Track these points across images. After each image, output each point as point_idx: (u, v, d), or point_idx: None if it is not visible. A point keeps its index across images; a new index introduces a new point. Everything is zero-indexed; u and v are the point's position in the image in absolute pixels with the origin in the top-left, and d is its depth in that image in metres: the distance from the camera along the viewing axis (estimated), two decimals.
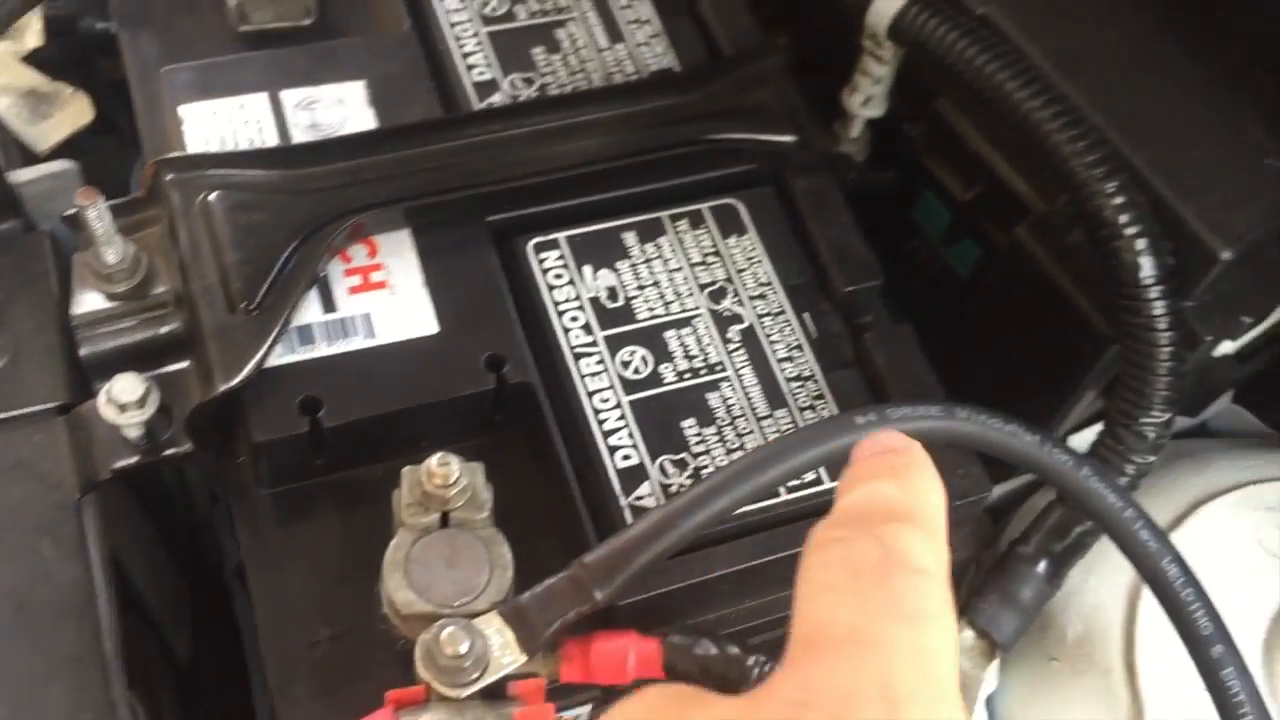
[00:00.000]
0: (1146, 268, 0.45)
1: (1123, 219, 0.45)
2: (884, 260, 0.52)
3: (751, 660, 0.42)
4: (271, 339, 0.44)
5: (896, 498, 0.35)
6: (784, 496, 0.46)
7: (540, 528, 0.47)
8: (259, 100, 0.51)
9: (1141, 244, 0.45)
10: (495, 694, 0.41)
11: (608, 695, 0.49)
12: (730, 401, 0.47)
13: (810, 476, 0.46)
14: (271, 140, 0.50)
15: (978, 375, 0.53)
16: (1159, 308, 0.46)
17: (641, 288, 0.49)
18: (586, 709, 0.50)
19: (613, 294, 0.49)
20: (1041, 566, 0.48)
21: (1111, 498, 0.44)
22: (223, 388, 0.43)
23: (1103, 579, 0.51)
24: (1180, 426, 0.63)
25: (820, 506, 0.46)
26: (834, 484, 0.46)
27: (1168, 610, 0.44)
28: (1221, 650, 0.43)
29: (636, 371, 0.47)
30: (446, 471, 0.42)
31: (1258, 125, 0.50)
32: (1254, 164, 0.49)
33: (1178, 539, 0.52)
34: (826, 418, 0.47)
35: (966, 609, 0.48)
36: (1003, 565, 0.48)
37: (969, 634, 0.49)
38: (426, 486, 0.42)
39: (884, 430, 0.40)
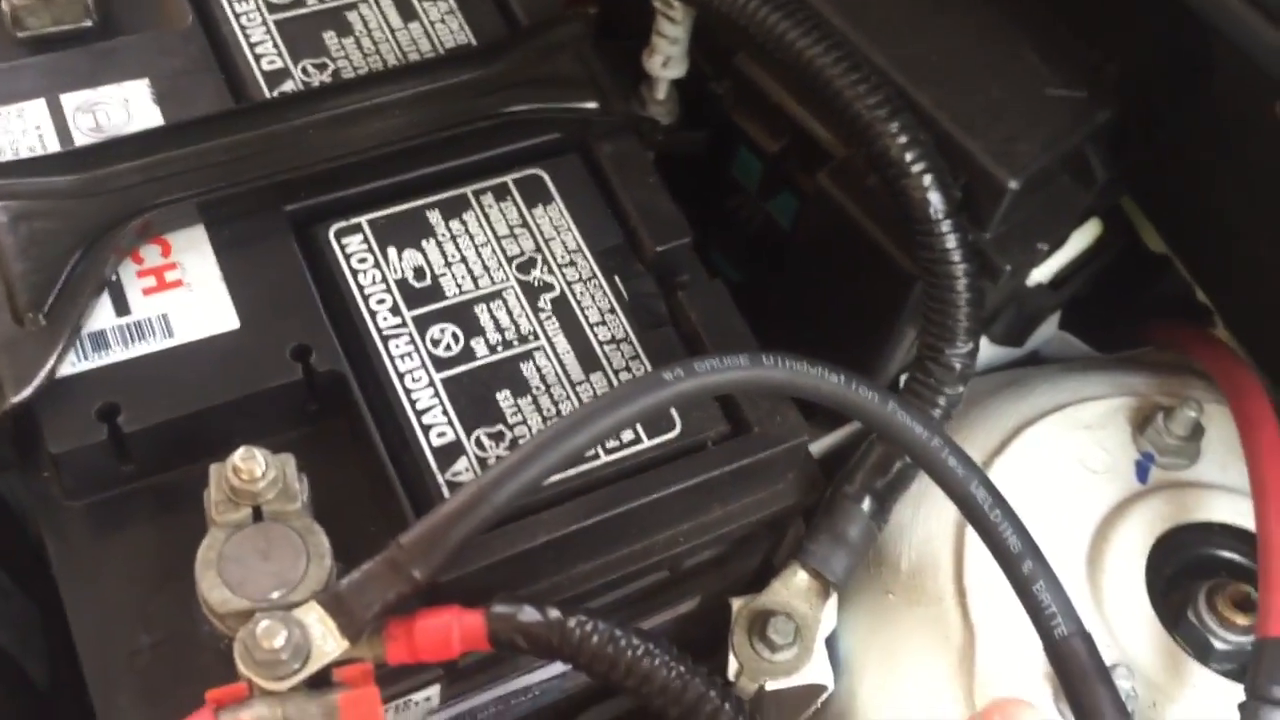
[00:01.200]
0: (935, 203, 0.47)
1: (908, 157, 0.46)
2: (711, 219, 0.52)
3: (574, 622, 0.42)
4: (60, 348, 0.43)
5: None
6: (603, 459, 0.46)
7: (366, 516, 0.46)
8: (37, 106, 0.49)
9: (928, 180, 0.46)
10: (321, 682, 0.41)
11: (454, 673, 0.49)
12: (544, 370, 0.47)
13: (629, 436, 0.47)
14: (53, 147, 0.48)
15: (805, 326, 0.54)
16: (951, 241, 0.47)
17: (449, 265, 0.49)
18: (435, 689, 0.50)
19: (419, 274, 0.49)
20: (866, 504, 0.49)
21: (918, 429, 0.45)
22: (14, 400, 0.42)
23: (931, 513, 0.52)
24: (1010, 356, 0.65)
25: (640, 465, 0.47)
26: (653, 442, 0.47)
27: (979, 531, 0.45)
28: (1031, 565, 0.44)
29: (447, 349, 0.47)
30: (251, 465, 0.41)
31: (1037, 58, 0.51)
32: (1036, 96, 0.50)
33: (1002, 463, 0.54)
34: (635, 378, 0.47)
35: (797, 552, 0.49)
36: (829, 506, 0.49)
37: (802, 576, 0.49)
38: (234, 482, 0.42)
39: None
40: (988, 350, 0.63)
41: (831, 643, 0.52)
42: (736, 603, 0.50)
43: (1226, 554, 0.51)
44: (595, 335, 0.48)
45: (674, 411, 0.47)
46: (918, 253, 0.48)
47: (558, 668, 0.55)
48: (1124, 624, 0.49)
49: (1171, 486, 0.53)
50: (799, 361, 0.45)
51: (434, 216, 0.50)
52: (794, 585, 0.49)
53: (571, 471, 0.45)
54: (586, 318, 0.49)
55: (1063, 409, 0.56)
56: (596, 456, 0.46)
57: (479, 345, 0.47)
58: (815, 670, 0.49)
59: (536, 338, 0.48)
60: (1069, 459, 0.54)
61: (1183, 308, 0.63)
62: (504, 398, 0.47)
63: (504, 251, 0.50)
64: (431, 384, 0.46)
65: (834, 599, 0.51)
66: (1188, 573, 0.51)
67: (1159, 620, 0.49)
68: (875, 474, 0.49)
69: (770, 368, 0.45)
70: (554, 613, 0.42)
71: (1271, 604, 0.45)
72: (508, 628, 0.42)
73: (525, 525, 0.44)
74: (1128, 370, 0.60)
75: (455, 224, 0.50)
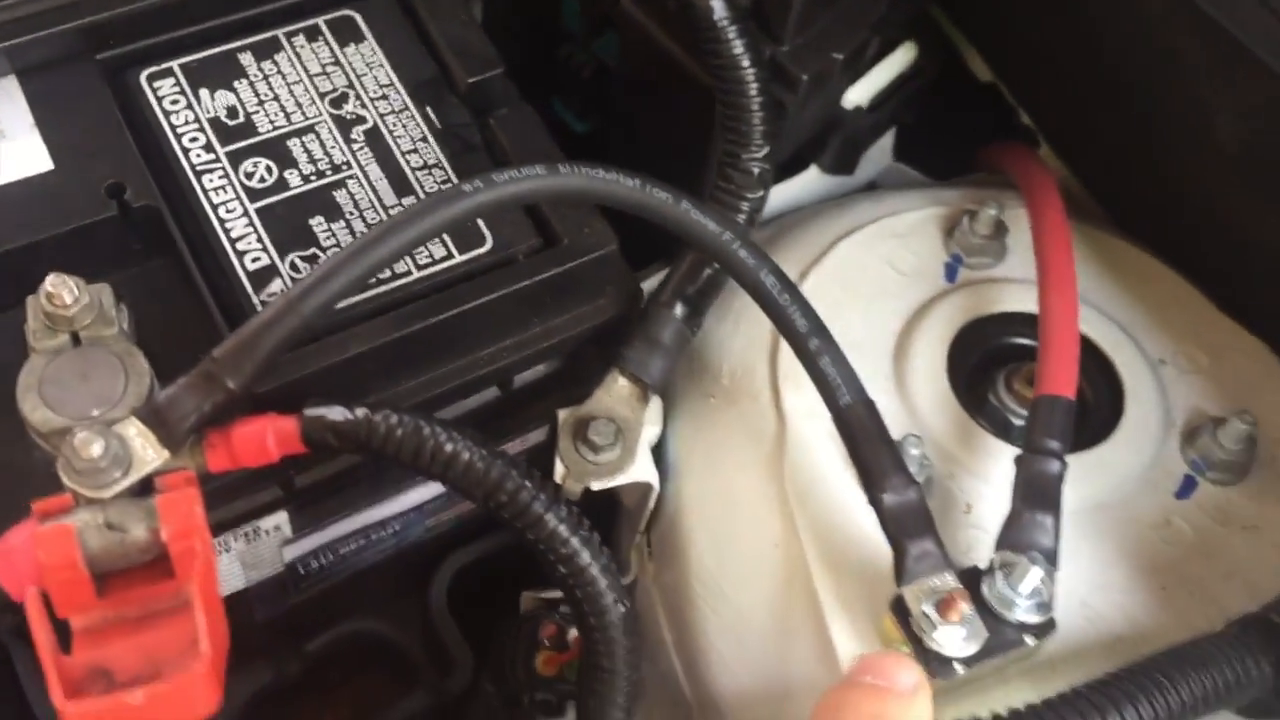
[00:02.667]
0: (718, 9, 0.48)
1: None
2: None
3: (380, 416, 0.44)
4: None
5: None
6: (416, 274, 0.48)
7: (193, 349, 0.48)
8: None
9: None
10: (145, 490, 0.43)
11: (296, 498, 0.51)
12: (358, 196, 0.49)
13: (440, 253, 0.49)
14: None
15: (640, 163, 0.56)
16: (737, 46, 0.49)
17: (261, 104, 0.50)
18: (282, 516, 0.52)
19: (232, 112, 0.50)
20: (678, 309, 0.51)
21: (710, 224, 0.47)
22: None
23: (752, 322, 0.55)
24: (847, 188, 0.67)
25: (452, 280, 0.49)
26: (464, 257, 0.49)
27: (770, 315, 0.48)
28: (817, 342, 0.47)
29: (261, 180, 0.49)
30: (62, 290, 0.43)
31: None
32: None
33: (819, 271, 0.56)
34: (437, 191, 0.49)
35: (614, 358, 0.52)
36: (644, 314, 0.52)
37: (622, 382, 0.52)
38: (47, 308, 0.43)
39: (902, 667, 0.38)
40: (822, 181, 0.66)
41: (661, 448, 0.55)
42: (563, 413, 0.52)
43: (1026, 340, 0.54)
44: (407, 162, 0.50)
45: (484, 227, 0.49)
46: (709, 62, 0.50)
47: (413, 498, 0.58)
48: (927, 409, 0.52)
49: (977, 284, 0.56)
50: (595, 168, 0.47)
51: (246, 59, 0.51)
52: (615, 391, 0.52)
53: (385, 287, 0.48)
54: (399, 146, 0.51)
55: (878, 220, 0.58)
56: (409, 273, 0.48)
57: (292, 176, 0.49)
58: (639, 470, 0.52)
59: (349, 167, 0.50)
60: (880, 264, 0.57)
61: (1011, 132, 0.66)
62: (317, 223, 0.48)
63: (316, 89, 0.51)
64: (246, 214, 0.48)
65: (656, 403, 0.53)
66: (989, 361, 0.54)
67: (960, 405, 0.52)
68: (686, 281, 0.52)
69: (567, 175, 0.47)
70: (361, 410, 0.44)
71: (1046, 365, 0.48)
72: (319, 427, 0.44)
73: (339, 339, 0.46)
74: (947, 188, 0.63)
75: (267, 65, 0.51)
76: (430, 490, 0.57)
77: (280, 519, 0.53)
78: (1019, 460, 0.47)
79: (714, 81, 0.50)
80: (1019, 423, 0.52)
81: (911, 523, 0.45)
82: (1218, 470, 0.51)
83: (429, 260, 0.48)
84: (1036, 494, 0.46)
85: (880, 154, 0.68)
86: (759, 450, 0.52)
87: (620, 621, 0.45)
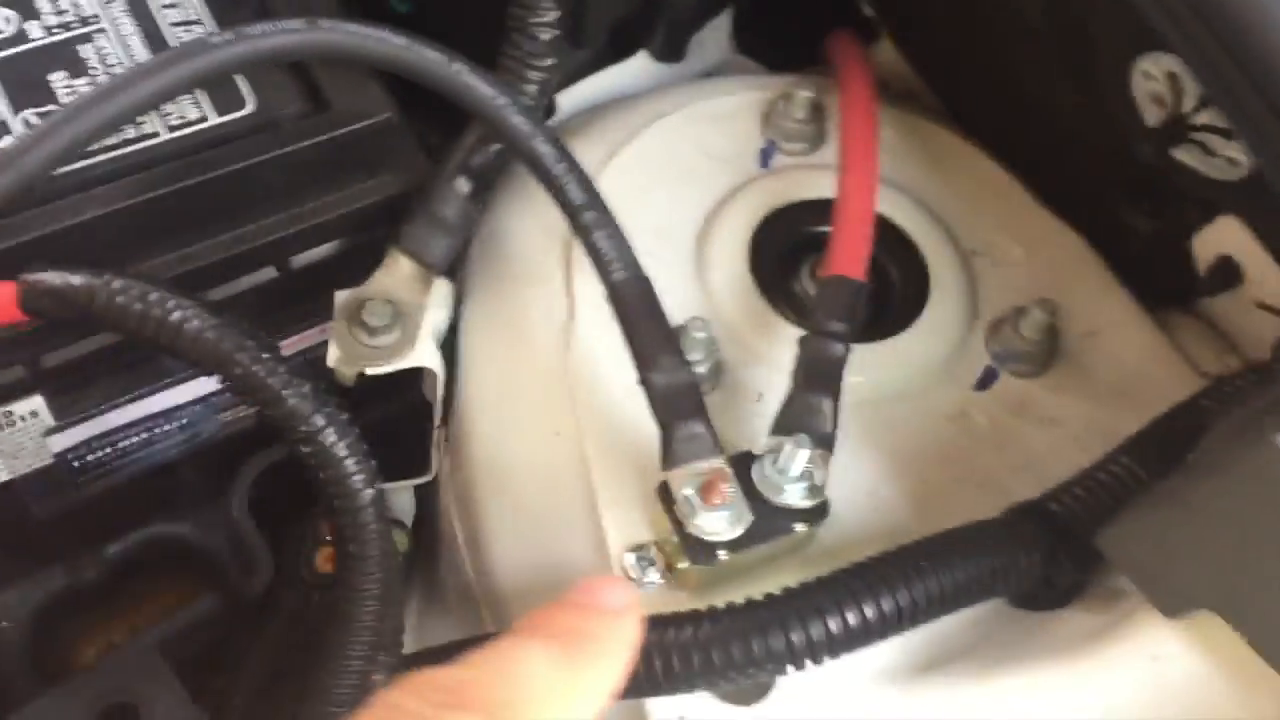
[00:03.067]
0: None
1: None
2: None
3: (101, 280, 0.41)
4: None
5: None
6: (165, 135, 0.45)
7: None
8: None
9: None
10: None
11: (49, 381, 0.48)
12: (105, 51, 0.45)
13: (195, 114, 0.45)
14: None
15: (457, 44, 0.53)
16: None
17: None
18: (36, 401, 0.49)
19: None
20: (461, 184, 0.48)
21: (483, 87, 0.44)
22: None
23: (549, 202, 0.52)
24: (685, 76, 0.64)
25: (207, 142, 0.45)
26: (221, 119, 0.46)
27: (545, 186, 0.45)
28: (593, 215, 0.44)
29: (3, 34, 0.45)
30: None
31: None
32: None
33: (628, 151, 0.54)
34: (182, 43, 0.45)
35: (395, 236, 0.49)
36: (426, 189, 0.49)
37: (404, 262, 0.49)
38: None
39: (613, 588, 0.34)
40: (654, 69, 0.63)
41: (457, 335, 0.52)
42: (340, 294, 0.49)
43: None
44: (165, 17, 0.47)
45: (245, 88, 0.46)
46: None
47: (194, 389, 0.55)
48: (725, 295, 0.49)
49: (790, 170, 0.53)
50: (360, 24, 0.44)
51: None
52: (396, 272, 0.49)
53: (129, 149, 0.44)
54: (159, 1, 0.47)
55: (693, 104, 0.56)
56: (157, 134, 0.45)
57: (33, 28, 0.45)
58: (419, 355, 0.49)
59: (98, 20, 0.46)
60: (692, 148, 0.54)
61: (853, 24, 0.64)
62: (58, 78, 0.45)
63: None
64: None
65: (443, 286, 0.50)
66: (797, 248, 0.52)
67: (759, 292, 0.50)
68: (470, 153, 0.48)
69: (328, 30, 0.44)
70: (83, 275, 0.41)
71: (835, 246, 0.46)
72: (37, 292, 0.41)
73: (74, 200, 0.43)
74: (775, 76, 0.60)
75: None
76: (213, 382, 0.54)
77: (35, 404, 0.49)
78: (801, 341, 0.45)
79: None
80: None
81: (681, 404, 0.42)
82: (1018, 361, 0.49)
83: (181, 121, 0.45)
84: (816, 376, 0.44)
85: (716, 45, 0.65)
86: (546, 336, 0.49)
87: (370, 504, 0.42)
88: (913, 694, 0.41)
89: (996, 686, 0.40)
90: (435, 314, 0.50)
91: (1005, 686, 0.40)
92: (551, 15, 0.47)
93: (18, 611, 0.66)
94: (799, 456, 0.41)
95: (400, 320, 0.48)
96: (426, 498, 0.57)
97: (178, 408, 0.55)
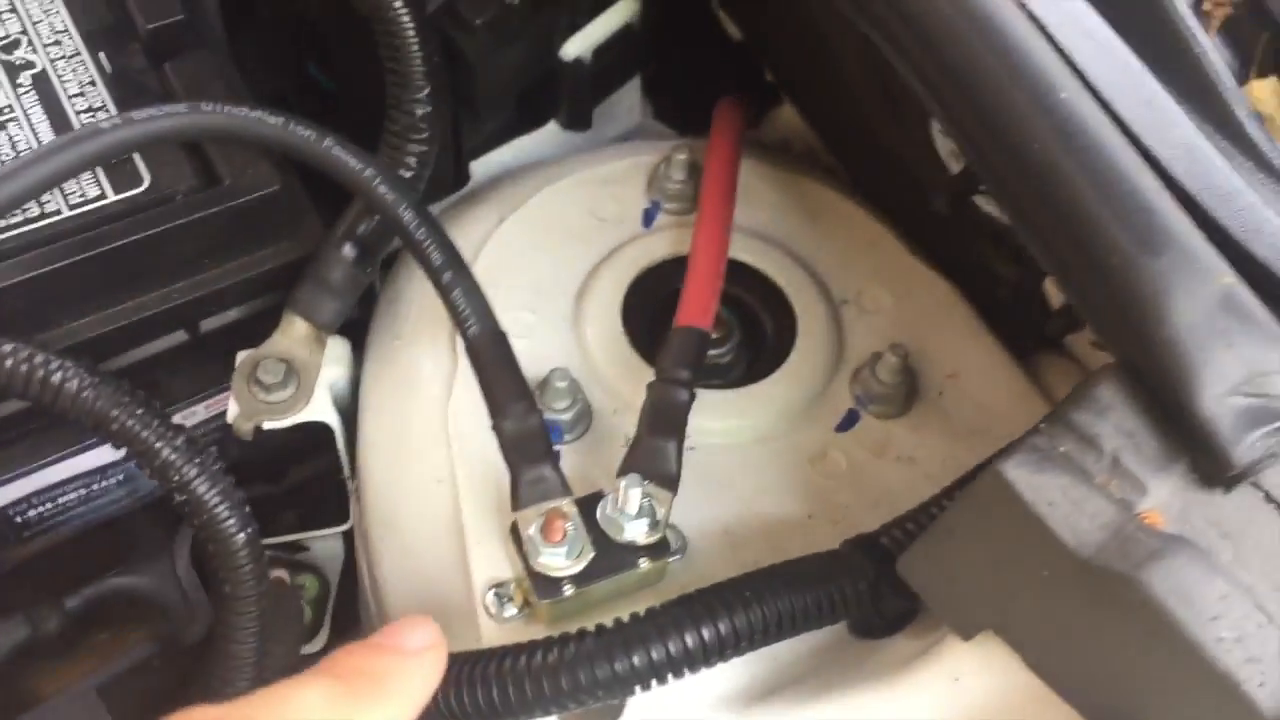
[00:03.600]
0: None
1: None
2: None
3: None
4: None
5: None
6: (67, 213, 0.49)
7: None
8: None
9: None
10: None
11: None
12: (16, 138, 0.50)
13: (94, 192, 0.49)
14: None
15: (366, 117, 0.57)
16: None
17: None
18: None
19: None
20: (347, 250, 0.52)
21: (352, 161, 0.48)
22: None
23: None
24: (597, 144, 0.68)
25: (110, 217, 0.49)
26: (119, 196, 0.50)
27: (410, 250, 0.49)
28: (451, 275, 0.48)
29: None
30: None
31: None
32: None
33: (519, 216, 0.57)
34: (74, 130, 0.49)
35: (287, 300, 0.52)
36: (315, 255, 0.52)
37: (300, 324, 0.52)
38: None
39: (414, 629, 0.38)
40: (564, 138, 0.67)
41: (359, 392, 0.55)
42: (240, 355, 0.53)
43: None
44: (73, 105, 0.51)
45: (142, 167, 0.50)
46: (368, 5, 0.50)
47: (88, 462, 0.58)
48: (598, 347, 0.52)
49: (668, 228, 0.57)
50: (238, 108, 0.48)
51: None
52: (292, 333, 0.53)
53: (31, 226, 0.48)
54: (66, 90, 0.51)
55: (586, 168, 0.59)
56: (59, 211, 0.49)
57: None
58: (314, 409, 0.52)
59: (12, 110, 0.50)
60: (581, 211, 0.57)
61: (758, 90, 0.67)
62: None
63: None
64: None
65: (337, 344, 0.54)
66: (668, 300, 0.54)
67: (629, 344, 0.52)
68: (355, 223, 0.52)
69: (209, 113, 0.48)
70: None
71: (684, 297, 0.49)
72: None
73: None
74: (667, 140, 0.64)
75: None
76: None
77: None
78: (649, 387, 0.48)
79: (374, 24, 0.51)
80: None
81: (528, 449, 0.45)
82: (878, 403, 0.52)
83: (81, 199, 0.49)
84: (661, 420, 0.47)
85: (629, 111, 0.69)
86: (432, 389, 0.52)
87: (243, 548, 0.45)
88: (746, 718, 0.43)
89: (819, 711, 0.42)
90: (330, 371, 0.53)
91: (827, 711, 0.42)
92: (423, 93, 0.51)
93: None
94: (633, 496, 0.44)
95: (294, 377, 0.52)
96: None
97: (113, 464, 0.58)
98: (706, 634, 0.40)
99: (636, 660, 0.40)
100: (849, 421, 0.52)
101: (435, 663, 0.35)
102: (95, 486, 0.60)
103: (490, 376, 0.46)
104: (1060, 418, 0.34)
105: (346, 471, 0.57)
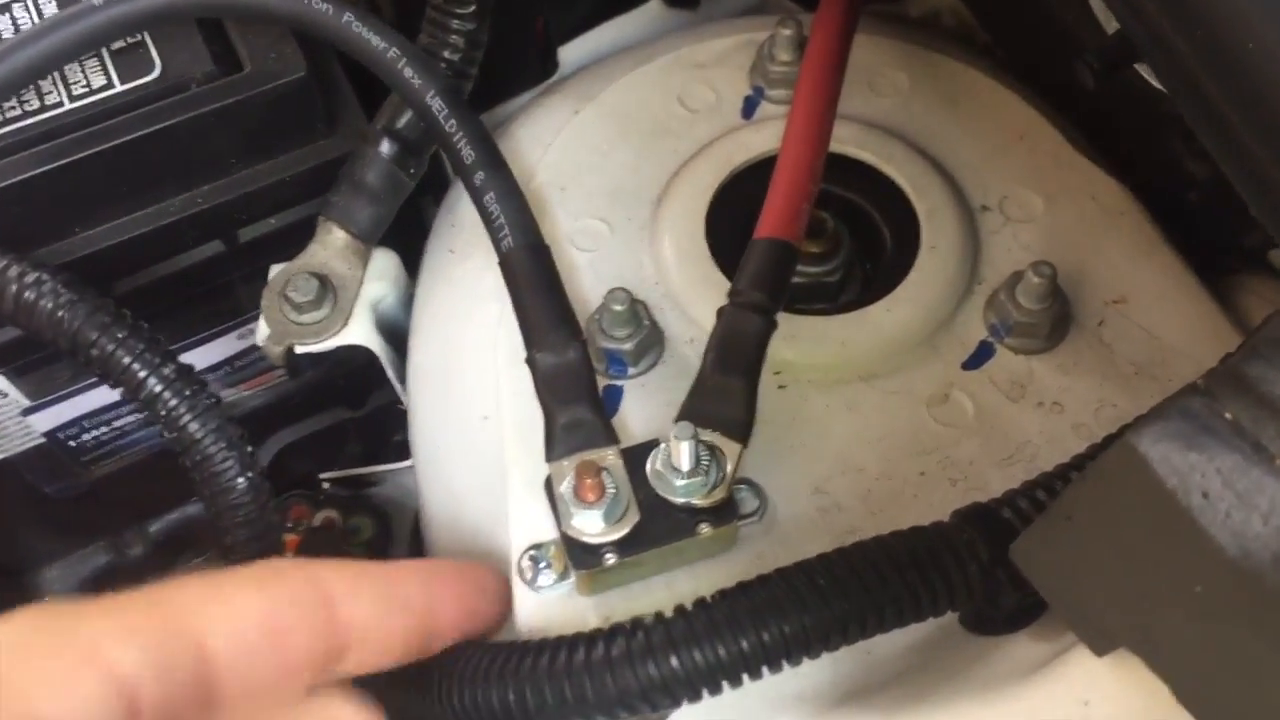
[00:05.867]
0: None
1: None
2: None
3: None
4: None
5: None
6: (70, 105, 0.43)
7: None
8: None
9: None
10: None
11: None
12: (20, 19, 0.44)
13: (99, 81, 0.43)
14: None
15: None
16: None
17: None
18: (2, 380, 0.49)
19: None
20: (385, 147, 0.45)
21: (374, 39, 0.41)
22: None
23: None
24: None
25: (118, 109, 0.43)
26: (127, 85, 0.44)
27: (439, 144, 0.41)
28: (484, 176, 0.40)
29: None
30: None
31: None
32: None
33: (595, 106, 0.49)
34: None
35: (323, 207, 0.46)
36: (352, 155, 0.45)
37: (338, 233, 0.46)
38: None
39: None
40: (670, 16, 0.58)
41: (415, 306, 0.48)
42: (274, 269, 0.46)
43: None
44: None
45: (154, 53, 0.44)
46: None
47: None
48: (676, 265, 0.44)
49: (771, 120, 0.47)
50: None
51: None
52: (329, 244, 0.46)
53: (29, 120, 0.43)
54: None
55: (678, 50, 0.50)
56: (61, 104, 0.43)
57: None
58: (352, 333, 0.46)
59: None
60: (669, 99, 0.49)
61: None
62: None
63: None
64: None
65: (384, 257, 0.47)
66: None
67: (713, 260, 0.44)
68: (397, 113, 0.45)
69: None
70: None
71: (768, 205, 0.40)
72: None
73: None
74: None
75: None
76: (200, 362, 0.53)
77: (1, 384, 0.49)
78: (719, 313, 0.39)
79: None
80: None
81: (566, 386, 0.37)
82: (1017, 335, 0.42)
83: (85, 90, 0.43)
84: (729, 354, 0.38)
85: None
86: (487, 311, 0.45)
87: (246, 494, 0.39)
88: None
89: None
90: (374, 288, 0.47)
91: None
92: None
93: (64, 585, 0.68)
94: (685, 447, 0.35)
95: (330, 295, 0.46)
96: None
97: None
98: (770, 635, 0.32)
99: (679, 666, 0.31)
100: (980, 357, 0.42)
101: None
102: (117, 424, 0.55)
103: (525, 299, 0.38)
104: (1228, 371, 0.24)
105: (400, 396, 0.50)
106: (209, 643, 0.29)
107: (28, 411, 0.52)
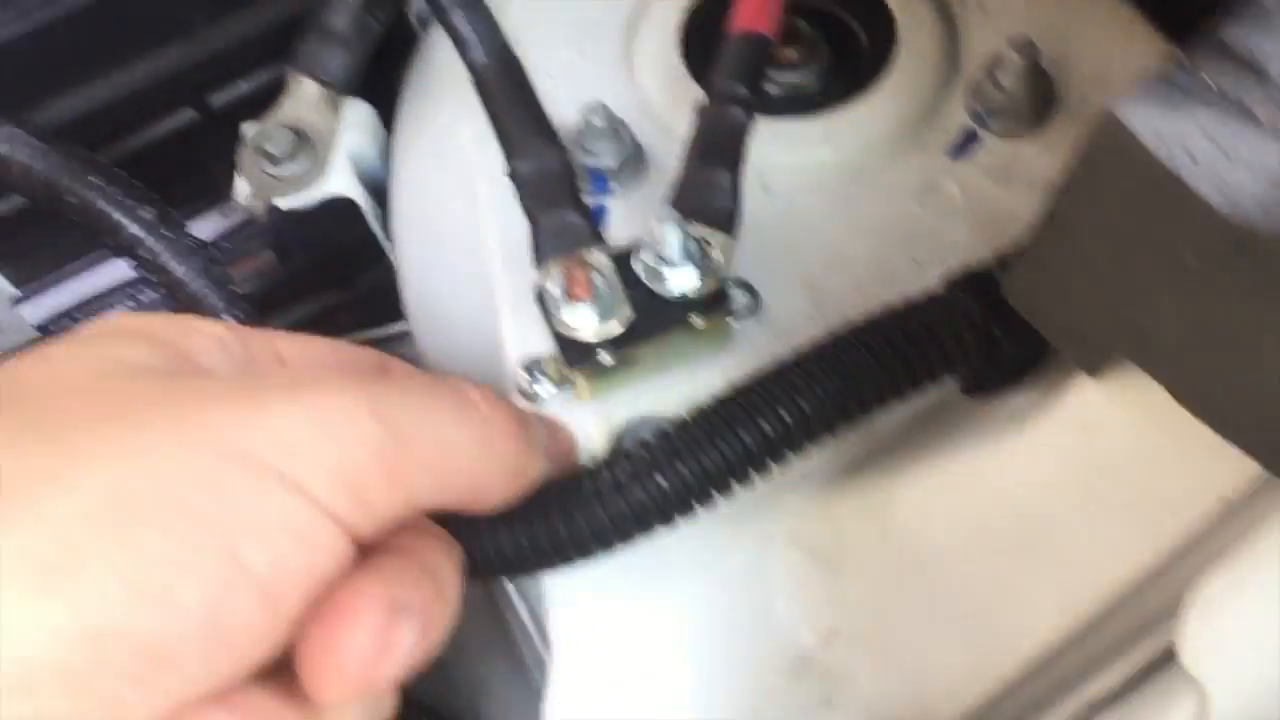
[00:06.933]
0: None
1: None
2: None
3: None
4: None
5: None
6: None
7: None
8: None
9: None
10: None
11: None
12: None
13: None
14: None
15: None
16: None
17: None
18: None
19: None
20: None
21: None
22: None
23: None
24: None
25: None
26: None
27: None
28: None
29: None
30: None
31: None
32: None
33: None
34: None
35: (290, 58, 0.45)
36: (317, 6, 0.45)
37: (308, 85, 0.45)
38: None
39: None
40: None
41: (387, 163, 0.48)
42: (246, 125, 0.46)
43: None
44: None
45: None
46: None
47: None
48: (652, 79, 0.44)
49: None
50: None
51: None
52: (301, 95, 0.45)
53: None
54: None
55: None
56: None
57: None
58: (333, 183, 0.45)
59: None
60: None
61: None
62: None
63: None
64: None
65: (357, 107, 0.47)
66: None
67: (690, 74, 0.43)
68: None
69: None
70: None
71: (741, 2, 0.39)
72: None
73: None
74: None
75: None
76: None
77: None
78: (697, 109, 0.38)
79: None
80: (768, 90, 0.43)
81: (549, 192, 0.37)
82: (1001, 118, 0.41)
83: None
84: (712, 148, 0.37)
85: None
86: (466, 151, 0.44)
87: None
88: (823, 498, 0.35)
89: (921, 479, 0.34)
90: (351, 137, 0.46)
91: (932, 479, 0.34)
92: None
93: None
94: (672, 237, 0.35)
95: (308, 147, 0.45)
96: None
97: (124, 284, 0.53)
98: (768, 429, 0.32)
99: (688, 470, 0.31)
100: (965, 144, 0.42)
101: None
102: (143, 299, 0.55)
103: (500, 111, 0.38)
104: (1206, 38, 0.23)
105: (387, 253, 0.50)
106: None
107: (17, 302, 0.51)
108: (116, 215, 0.38)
